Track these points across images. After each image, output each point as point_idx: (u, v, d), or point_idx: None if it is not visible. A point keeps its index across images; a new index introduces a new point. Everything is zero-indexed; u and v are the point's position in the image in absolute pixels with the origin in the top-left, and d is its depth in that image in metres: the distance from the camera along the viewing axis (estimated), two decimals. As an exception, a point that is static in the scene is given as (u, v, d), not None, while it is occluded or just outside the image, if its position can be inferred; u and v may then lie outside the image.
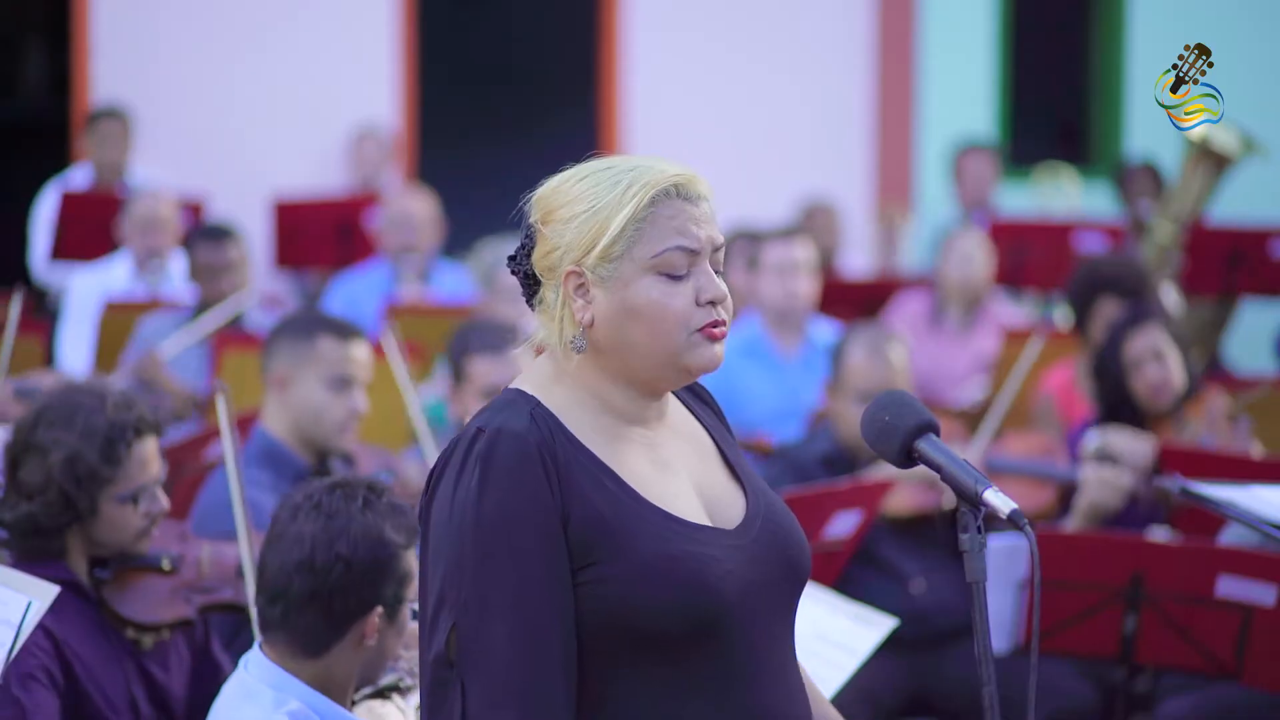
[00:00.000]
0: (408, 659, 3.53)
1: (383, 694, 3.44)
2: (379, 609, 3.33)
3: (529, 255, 2.72)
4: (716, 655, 2.61)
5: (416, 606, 3.34)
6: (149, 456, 3.83)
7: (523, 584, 2.56)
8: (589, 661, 2.59)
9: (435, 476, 2.65)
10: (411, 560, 3.37)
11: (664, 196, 2.66)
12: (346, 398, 4.92)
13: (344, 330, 5.01)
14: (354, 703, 3.40)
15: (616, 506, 2.60)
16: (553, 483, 2.59)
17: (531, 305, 2.74)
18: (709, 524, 2.67)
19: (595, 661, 2.59)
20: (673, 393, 2.81)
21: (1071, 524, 5.67)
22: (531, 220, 2.71)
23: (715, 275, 2.68)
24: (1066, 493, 5.90)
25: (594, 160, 2.72)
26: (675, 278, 2.65)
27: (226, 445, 3.93)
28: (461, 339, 5.81)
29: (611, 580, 2.58)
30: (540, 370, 2.72)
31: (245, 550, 3.85)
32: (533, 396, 2.67)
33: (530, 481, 2.58)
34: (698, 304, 2.66)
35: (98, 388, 3.91)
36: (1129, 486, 5.65)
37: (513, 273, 2.75)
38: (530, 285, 2.73)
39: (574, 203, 2.67)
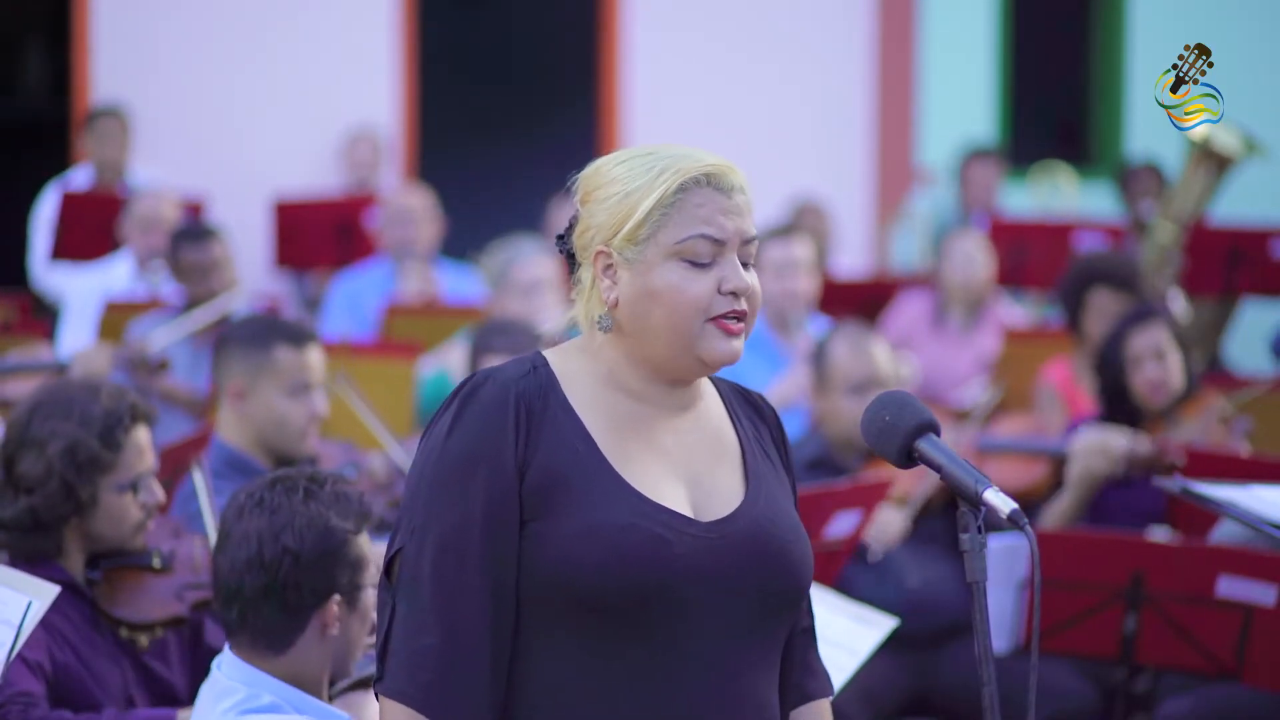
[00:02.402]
0: None
1: (364, 684, 3.45)
2: (336, 597, 3.33)
3: (573, 234, 2.75)
4: (647, 635, 2.59)
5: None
6: (144, 445, 3.85)
7: (463, 522, 2.59)
8: (526, 615, 2.61)
9: (434, 415, 2.70)
10: (364, 546, 3.38)
11: (694, 184, 2.67)
12: (306, 403, 4.85)
13: (298, 336, 4.91)
14: (332, 697, 3.40)
15: (580, 468, 2.62)
16: (520, 432, 2.62)
17: (572, 283, 2.77)
18: (682, 511, 2.65)
19: (532, 616, 2.61)
20: (722, 396, 2.81)
21: (1065, 494, 5.70)
22: (575, 199, 2.75)
23: (742, 267, 2.68)
24: (1059, 468, 5.93)
25: (643, 145, 2.74)
26: (698, 266, 2.66)
27: (206, 514, 3.99)
28: (483, 337, 5.78)
29: (554, 536, 2.59)
30: (571, 343, 2.75)
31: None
32: (544, 358, 2.71)
33: (496, 426, 2.62)
34: (719, 293, 2.66)
35: (88, 380, 3.93)
36: (1120, 451, 5.67)
37: (559, 251, 2.78)
38: (573, 264, 2.76)
39: (610, 184, 2.70)
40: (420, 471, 2.65)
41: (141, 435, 3.84)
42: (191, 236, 7.51)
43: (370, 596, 3.39)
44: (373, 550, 3.41)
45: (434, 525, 2.61)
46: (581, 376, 2.69)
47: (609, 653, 2.59)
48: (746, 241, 2.70)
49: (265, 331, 4.93)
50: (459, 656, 2.57)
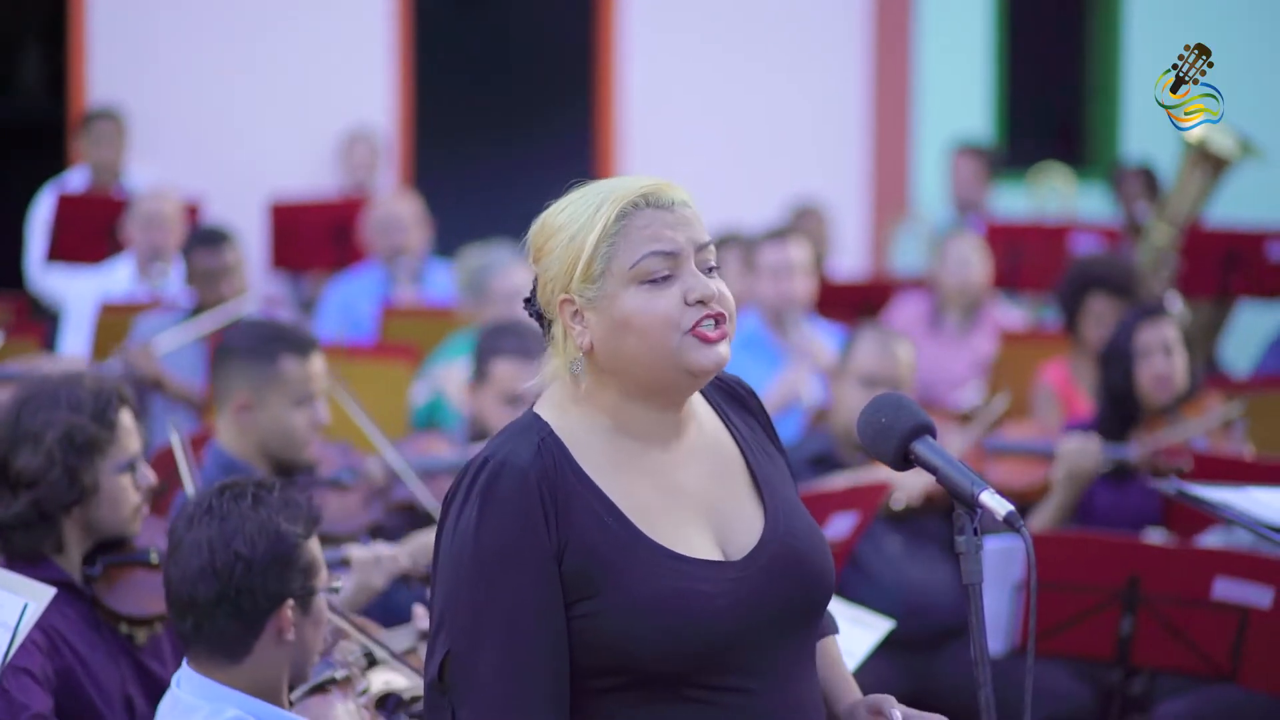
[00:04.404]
0: (341, 650, 3.55)
1: (322, 689, 3.45)
2: (290, 602, 3.34)
3: (537, 295, 2.75)
4: (710, 684, 2.61)
5: (329, 595, 3.37)
6: (132, 426, 3.87)
7: (513, 616, 2.58)
8: (584, 693, 2.61)
9: (446, 503, 2.68)
10: (314, 550, 3.38)
11: (633, 208, 2.68)
12: (310, 412, 4.82)
13: (303, 345, 4.85)
14: (292, 703, 3.40)
15: (613, 542, 2.62)
16: (549, 517, 2.61)
17: (547, 343, 2.76)
18: (713, 556, 2.66)
19: (590, 693, 2.61)
20: (708, 398, 2.81)
21: (1052, 496, 5.71)
22: (529, 261, 2.75)
23: (703, 274, 2.68)
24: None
25: (578, 188, 2.74)
26: (659, 284, 2.66)
27: (185, 478, 3.98)
28: (491, 339, 5.74)
29: (602, 615, 2.59)
30: (560, 393, 2.74)
31: None
32: (546, 423, 2.69)
33: (527, 516, 2.60)
34: (686, 304, 2.66)
35: (65, 372, 3.95)
36: (1102, 451, 5.70)
37: (530, 315, 2.78)
38: (543, 324, 2.76)
39: (556, 233, 2.71)
40: (455, 571, 2.62)
41: (128, 418, 3.86)
42: (206, 241, 7.49)
43: (322, 601, 3.40)
44: (323, 554, 3.42)
45: (485, 625, 2.59)
46: (586, 434, 2.69)
47: (672, 710, 2.61)
48: (701, 248, 2.70)
49: (269, 341, 4.85)
50: None
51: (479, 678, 2.58)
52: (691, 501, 2.70)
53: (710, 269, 2.70)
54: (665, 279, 2.66)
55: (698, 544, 2.66)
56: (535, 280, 2.75)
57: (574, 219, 2.69)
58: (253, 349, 4.84)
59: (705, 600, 2.60)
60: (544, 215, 2.74)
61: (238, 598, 3.30)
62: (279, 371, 4.79)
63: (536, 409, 2.73)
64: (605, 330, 2.67)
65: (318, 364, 4.86)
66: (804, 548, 2.72)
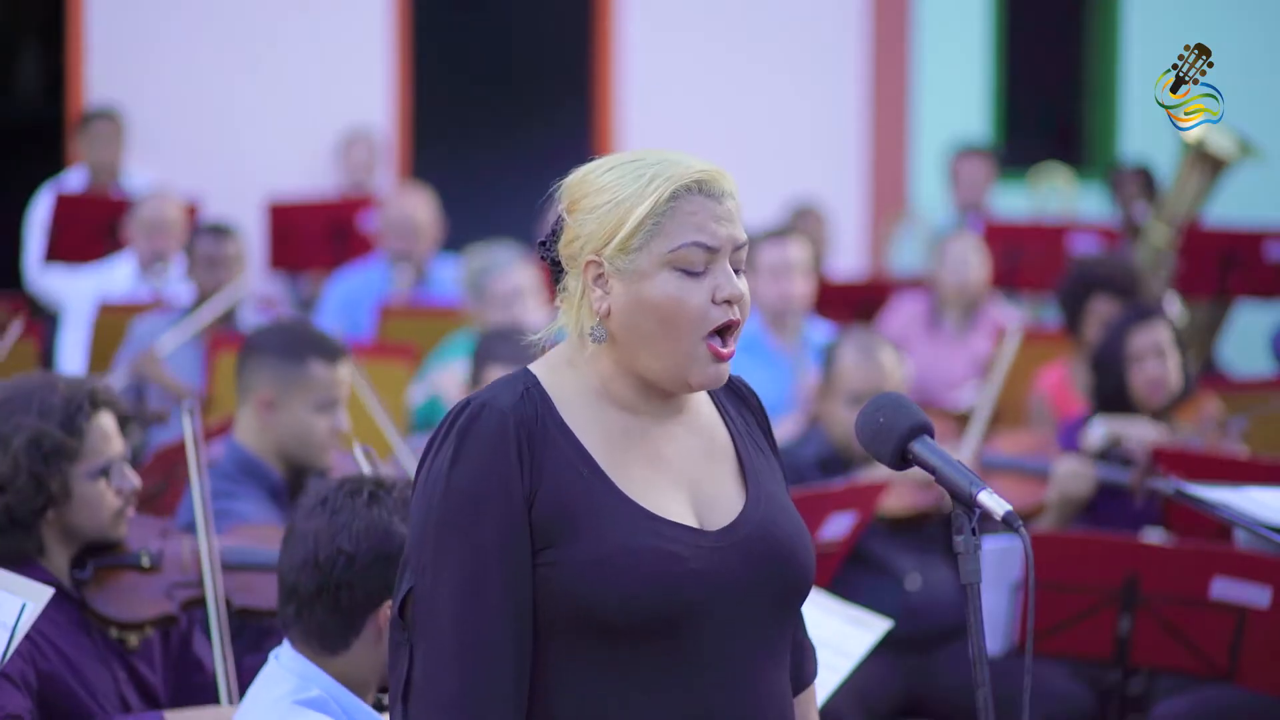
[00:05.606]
0: None
1: None
2: (389, 601, 3.33)
3: (556, 242, 2.73)
4: (670, 652, 2.59)
5: None
6: (110, 430, 3.84)
7: (477, 558, 2.58)
8: (544, 642, 2.60)
9: (427, 445, 2.68)
10: None
11: (685, 192, 2.65)
12: (331, 417, 4.85)
13: (332, 352, 4.89)
14: (383, 706, 3.40)
15: (586, 493, 2.61)
16: (524, 462, 2.60)
17: (557, 291, 2.74)
18: (689, 523, 2.65)
19: (550, 643, 2.60)
20: (711, 393, 2.79)
21: (1045, 518, 5.70)
22: (560, 208, 2.73)
23: (734, 274, 2.67)
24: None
25: (626, 152, 2.72)
26: (692, 274, 2.64)
27: (191, 459, 4.00)
28: (486, 345, 5.76)
29: (567, 564, 2.58)
30: (557, 354, 2.73)
31: (205, 557, 3.88)
32: (535, 377, 2.68)
33: (500, 458, 2.59)
34: (714, 302, 2.65)
35: (44, 375, 3.94)
36: (1096, 476, 5.67)
37: (541, 258, 2.76)
38: (557, 271, 2.73)
39: (599, 193, 2.67)
40: (425, 509, 2.62)
41: (106, 422, 3.83)
42: (211, 231, 7.56)
43: None
44: None
45: (446, 564, 2.59)
46: (574, 393, 2.68)
47: (629, 672, 2.59)
48: (738, 248, 2.69)
49: (300, 344, 4.89)
50: (483, 697, 2.56)
51: (438, 616, 2.58)
52: (674, 472, 2.69)
53: (739, 270, 2.69)
54: (699, 272, 2.65)
55: (675, 510, 2.65)
56: (559, 225, 2.72)
57: (621, 183, 2.66)
58: (283, 349, 4.88)
59: (677, 561, 2.59)
60: (587, 167, 2.71)
61: (337, 592, 3.32)
62: (306, 374, 4.82)
63: (530, 366, 2.72)
64: (627, 303, 2.65)
65: (344, 372, 4.90)
66: (783, 535, 2.70)
